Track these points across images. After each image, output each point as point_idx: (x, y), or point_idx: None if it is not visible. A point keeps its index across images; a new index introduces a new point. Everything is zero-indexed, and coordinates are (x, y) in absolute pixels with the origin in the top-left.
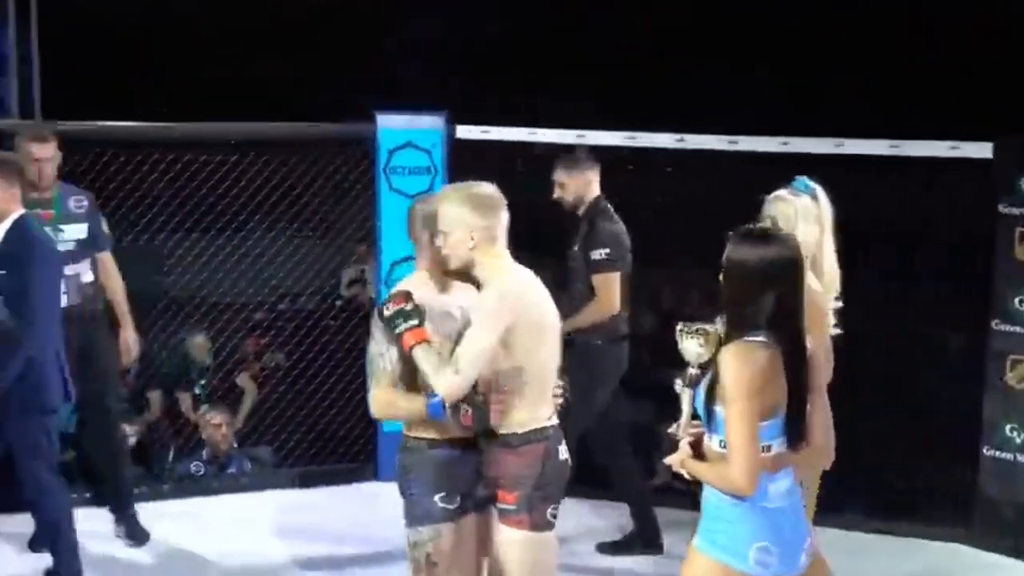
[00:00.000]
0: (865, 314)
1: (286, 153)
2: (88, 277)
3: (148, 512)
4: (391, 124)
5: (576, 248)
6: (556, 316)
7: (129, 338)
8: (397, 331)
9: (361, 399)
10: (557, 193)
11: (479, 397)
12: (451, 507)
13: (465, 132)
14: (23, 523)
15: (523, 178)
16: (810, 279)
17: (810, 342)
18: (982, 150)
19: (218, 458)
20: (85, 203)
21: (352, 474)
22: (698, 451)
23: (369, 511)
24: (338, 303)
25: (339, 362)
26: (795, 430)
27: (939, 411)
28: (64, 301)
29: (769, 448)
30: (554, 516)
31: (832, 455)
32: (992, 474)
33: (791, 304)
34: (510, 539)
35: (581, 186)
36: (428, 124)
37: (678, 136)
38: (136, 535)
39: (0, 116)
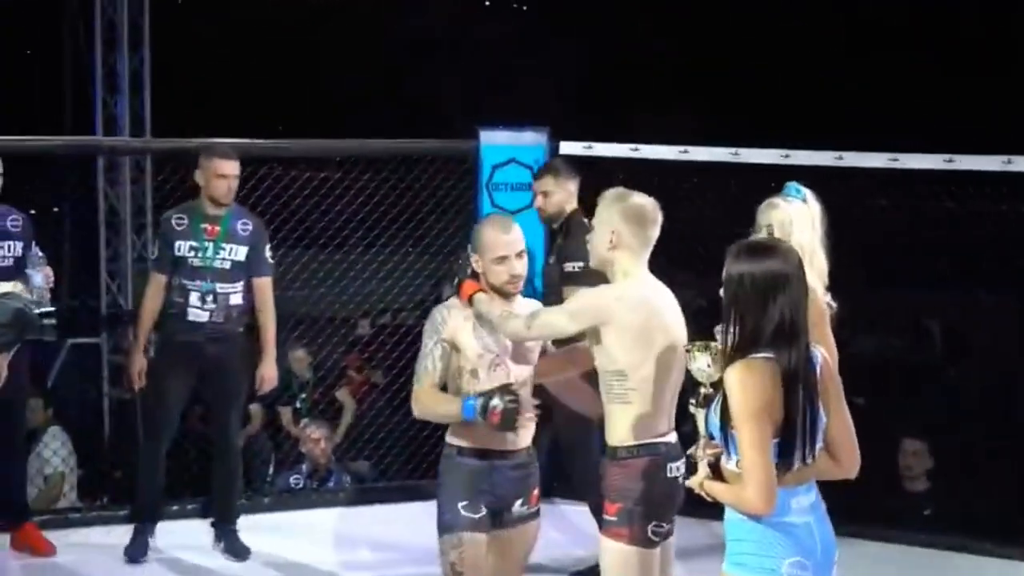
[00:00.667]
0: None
1: (389, 169)
2: (237, 300)
3: (247, 524)
4: (494, 140)
5: (552, 260)
6: (682, 333)
7: (269, 371)
8: (455, 283)
9: None
10: (539, 202)
11: (509, 398)
12: (474, 516)
13: (568, 148)
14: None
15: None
16: (812, 280)
17: (823, 349)
18: None
19: (318, 472)
20: (251, 227)
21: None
22: (718, 471)
23: None
24: None
25: None
26: (796, 449)
27: None
28: (207, 316)
29: (787, 466)
30: (656, 534)
31: (857, 466)
32: None
33: (794, 317)
34: (607, 547)
35: (564, 197)
36: (531, 140)
37: (784, 152)
38: (237, 551)
39: (112, 134)
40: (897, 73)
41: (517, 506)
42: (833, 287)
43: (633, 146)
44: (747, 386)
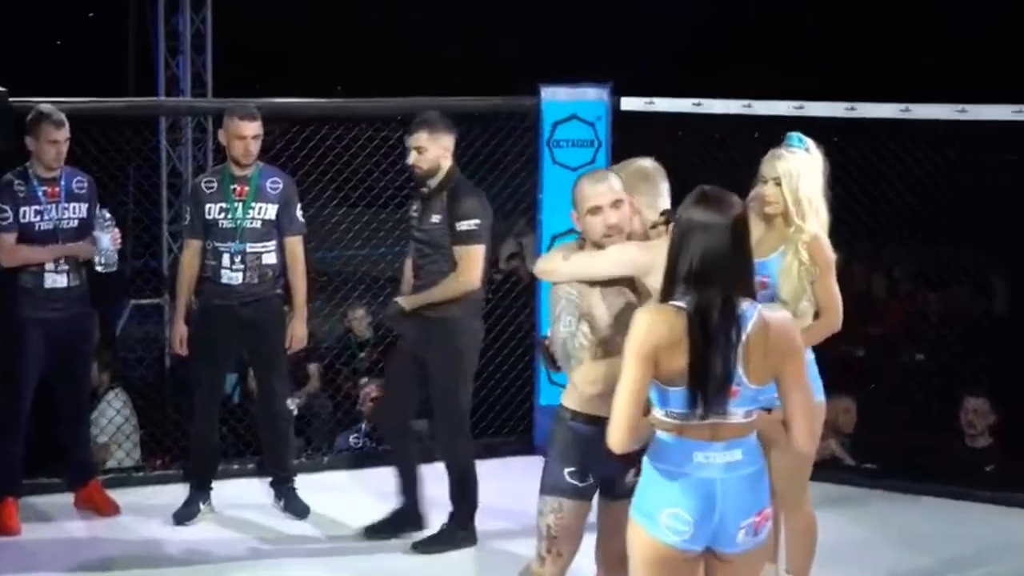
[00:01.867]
0: None
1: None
2: (270, 259)
3: (307, 484)
4: (555, 97)
5: (436, 219)
6: None
7: (299, 330)
8: None
9: (520, 372)
10: (413, 159)
11: None
12: (579, 484)
13: (630, 104)
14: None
15: (689, 151)
16: (818, 231)
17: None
18: None
19: (377, 430)
20: (280, 185)
21: (509, 447)
22: None
23: (524, 483)
24: (497, 276)
25: (498, 335)
26: (697, 398)
27: None
28: (240, 278)
29: (687, 416)
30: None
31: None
32: None
33: (706, 267)
34: None
35: (439, 153)
36: (592, 96)
37: (849, 105)
38: (296, 509)
39: (174, 95)
40: None
41: (630, 476)
42: (888, 243)
43: (696, 101)
44: (638, 329)
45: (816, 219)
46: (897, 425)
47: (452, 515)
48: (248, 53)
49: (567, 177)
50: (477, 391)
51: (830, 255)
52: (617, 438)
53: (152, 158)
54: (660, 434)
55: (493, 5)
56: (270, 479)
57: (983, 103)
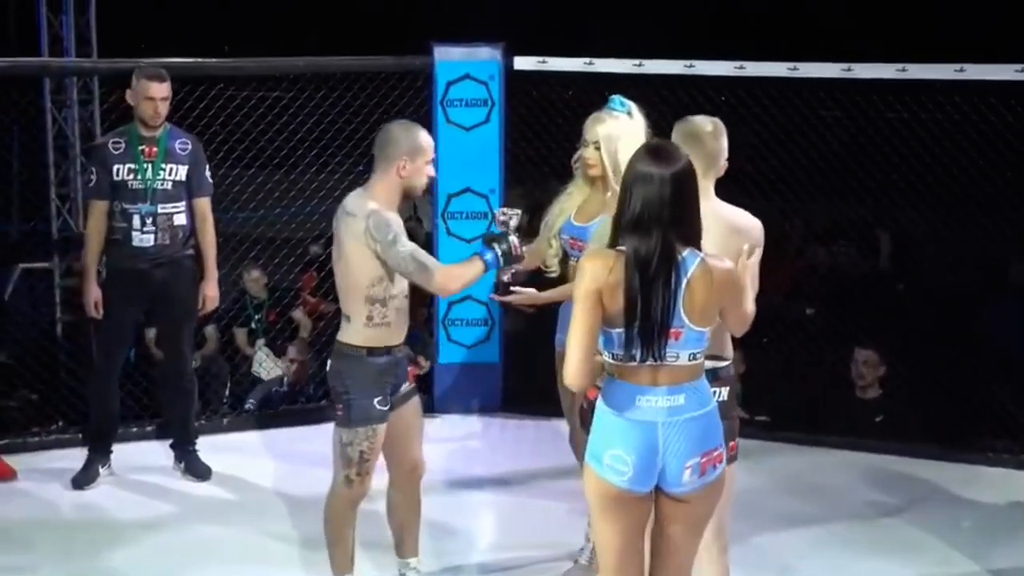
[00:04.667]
0: (931, 241)
1: (343, 87)
2: (181, 220)
3: (206, 445)
4: (448, 56)
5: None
6: None
7: (210, 291)
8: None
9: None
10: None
11: (509, 235)
12: (385, 409)
13: (523, 63)
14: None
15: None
16: None
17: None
18: None
19: (296, 387)
20: (189, 146)
21: None
22: None
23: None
24: None
25: None
26: (633, 339)
27: (1005, 339)
28: (152, 240)
29: (630, 358)
30: None
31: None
32: None
33: (645, 213)
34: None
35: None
36: (485, 56)
37: (738, 64)
38: (198, 471)
39: (57, 54)
40: None
41: (405, 387)
42: (784, 198)
43: (587, 60)
44: (582, 272)
45: None
46: (789, 378)
47: None
48: (133, 11)
49: (461, 137)
50: None
51: None
52: (571, 377)
53: (39, 120)
54: (608, 377)
55: None
56: (170, 441)
57: (869, 62)
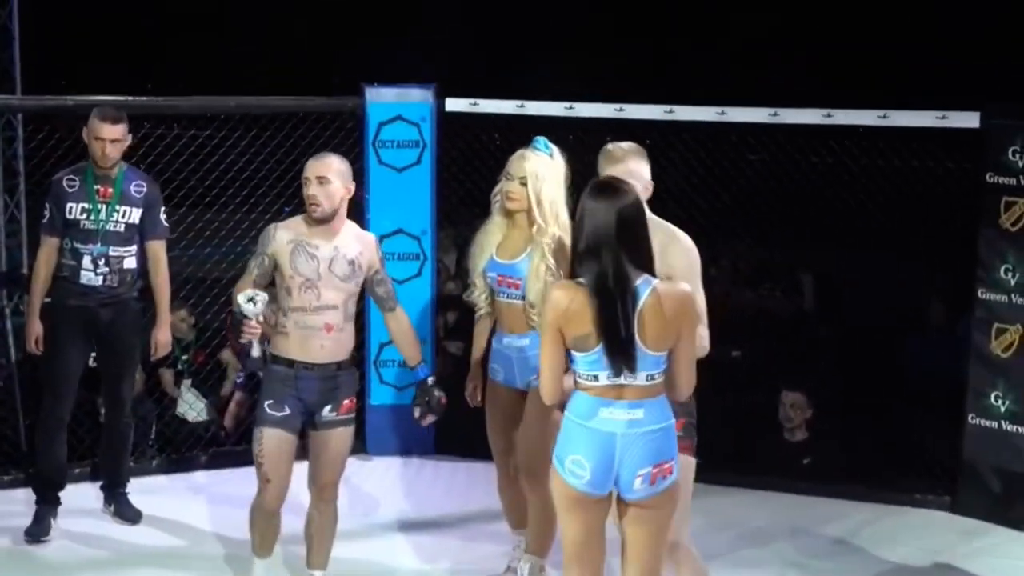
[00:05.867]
0: (853, 283)
1: (275, 127)
2: (131, 263)
3: (134, 487)
4: (380, 98)
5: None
6: None
7: (162, 336)
8: None
9: None
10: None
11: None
12: (276, 414)
13: (454, 105)
14: None
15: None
16: (559, 231)
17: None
18: (969, 120)
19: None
20: (144, 188)
21: None
22: None
23: (356, 483)
24: None
25: None
26: (608, 362)
27: (928, 380)
28: (100, 280)
29: (596, 377)
30: None
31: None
32: (977, 441)
33: (595, 244)
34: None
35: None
36: (417, 97)
37: (668, 108)
38: (128, 514)
39: None
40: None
41: (326, 411)
42: (712, 241)
43: (519, 103)
44: (547, 303)
45: (556, 223)
46: (716, 421)
47: None
48: (58, 49)
49: (393, 178)
50: None
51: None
52: (545, 394)
53: None
54: (576, 391)
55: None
56: (101, 483)
57: (793, 107)
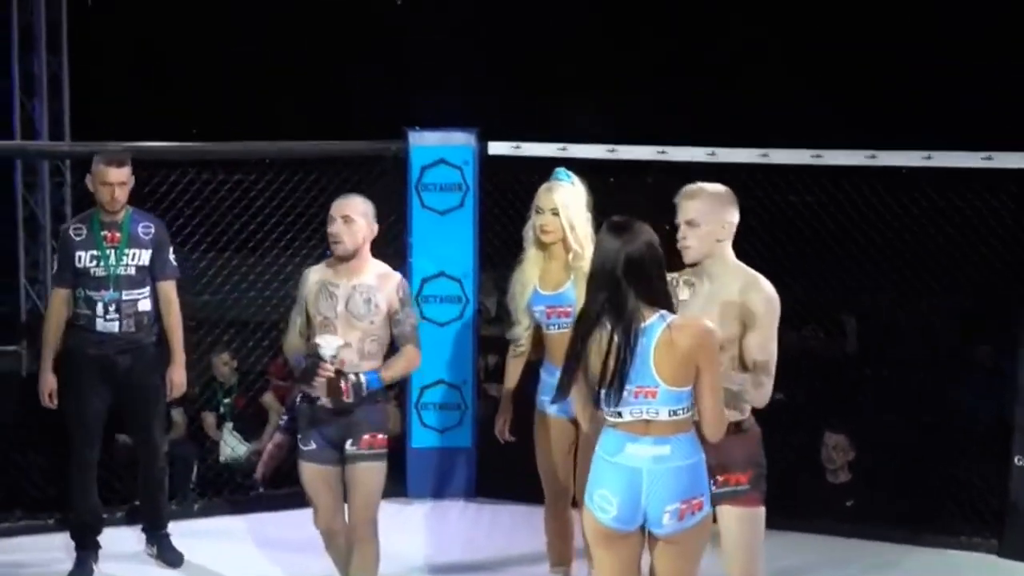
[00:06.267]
0: (897, 324)
1: (319, 171)
2: (145, 306)
3: (176, 530)
4: (423, 142)
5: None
6: None
7: (177, 376)
8: None
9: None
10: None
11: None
12: (304, 448)
13: (497, 148)
14: None
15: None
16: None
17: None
18: (1015, 160)
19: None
20: (152, 230)
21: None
22: None
23: (396, 527)
24: None
25: None
26: (607, 397)
27: (973, 421)
28: (116, 327)
29: (619, 413)
30: None
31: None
32: (1023, 483)
33: (599, 281)
34: (744, 515)
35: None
36: (460, 141)
37: (710, 150)
38: (170, 557)
39: (30, 138)
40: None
41: (348, 446)
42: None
43: (561, 145)
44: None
45: (589, 247)
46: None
47: None
48: (107, 96)
49: (435, 221)
50: None
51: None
52: (583, 426)
53: (9, 203)
54: (604, 427)
55: (356, 49)
56: (142, 526)
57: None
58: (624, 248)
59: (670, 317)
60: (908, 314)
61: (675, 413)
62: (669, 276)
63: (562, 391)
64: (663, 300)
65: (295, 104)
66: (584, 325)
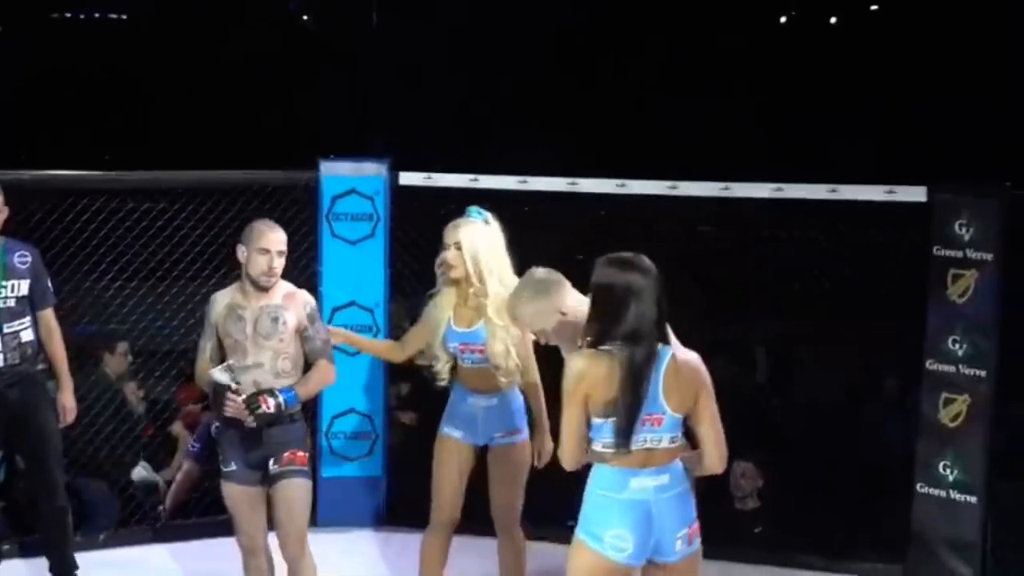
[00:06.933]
0: (804, 352)
1: (226, 200)
2: (28, 336)
3: (86, 562)
4: (334, 171)
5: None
6: None
7: (67, 402)
8: None
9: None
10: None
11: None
12: (225, 469)
13: (408, 179)
14: None
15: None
16: (502, 291)
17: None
18: (917, 194)
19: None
20: (29, 259)
21: None
22: None
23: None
24: None
25: None
26: (621, 431)
27: (880, 450)
28: (1, 361)
29: (608, 444)
30: None
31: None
32: (926, 511)
33: (639, 324)
34: None
35: None
36: (371, 171)
37: (619, 181)
38: None
39: None
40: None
41: (270, 465)
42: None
43: (472, 176)
44: (573, 373)
45: (500, 284)
46: None
47: None
48: (12, 121)
49: (346, 250)
50: None
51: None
52: (567, 460)
53: None
54: (599, 463)
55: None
56: (50, 564)
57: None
58: (652, 284)
59: (671, 347)
60: (816, 345)
61: (674, 440)
62: None
63: (626, 437)
64: (665, 332)
65: (209, 132)
66: (637, 377)
